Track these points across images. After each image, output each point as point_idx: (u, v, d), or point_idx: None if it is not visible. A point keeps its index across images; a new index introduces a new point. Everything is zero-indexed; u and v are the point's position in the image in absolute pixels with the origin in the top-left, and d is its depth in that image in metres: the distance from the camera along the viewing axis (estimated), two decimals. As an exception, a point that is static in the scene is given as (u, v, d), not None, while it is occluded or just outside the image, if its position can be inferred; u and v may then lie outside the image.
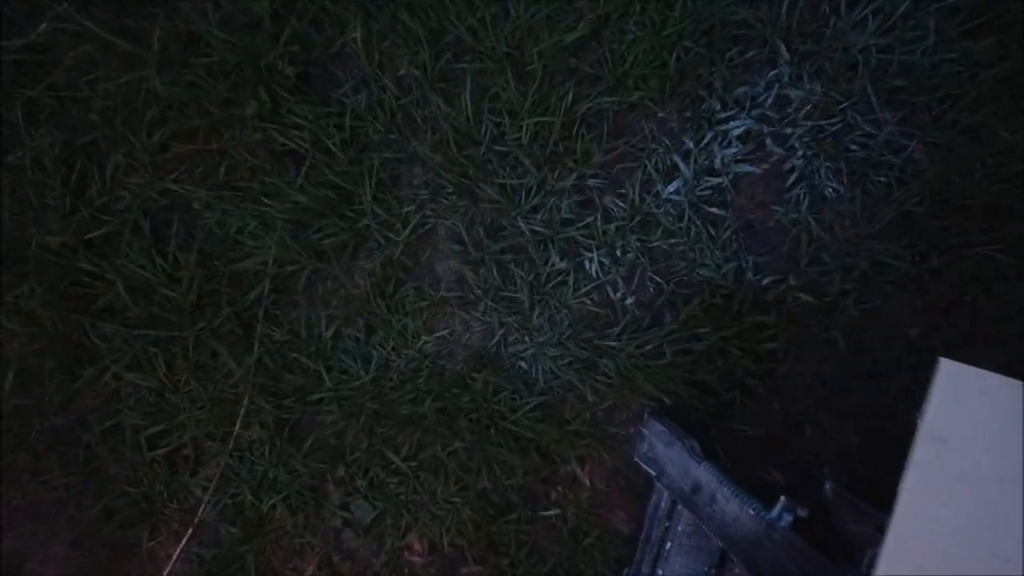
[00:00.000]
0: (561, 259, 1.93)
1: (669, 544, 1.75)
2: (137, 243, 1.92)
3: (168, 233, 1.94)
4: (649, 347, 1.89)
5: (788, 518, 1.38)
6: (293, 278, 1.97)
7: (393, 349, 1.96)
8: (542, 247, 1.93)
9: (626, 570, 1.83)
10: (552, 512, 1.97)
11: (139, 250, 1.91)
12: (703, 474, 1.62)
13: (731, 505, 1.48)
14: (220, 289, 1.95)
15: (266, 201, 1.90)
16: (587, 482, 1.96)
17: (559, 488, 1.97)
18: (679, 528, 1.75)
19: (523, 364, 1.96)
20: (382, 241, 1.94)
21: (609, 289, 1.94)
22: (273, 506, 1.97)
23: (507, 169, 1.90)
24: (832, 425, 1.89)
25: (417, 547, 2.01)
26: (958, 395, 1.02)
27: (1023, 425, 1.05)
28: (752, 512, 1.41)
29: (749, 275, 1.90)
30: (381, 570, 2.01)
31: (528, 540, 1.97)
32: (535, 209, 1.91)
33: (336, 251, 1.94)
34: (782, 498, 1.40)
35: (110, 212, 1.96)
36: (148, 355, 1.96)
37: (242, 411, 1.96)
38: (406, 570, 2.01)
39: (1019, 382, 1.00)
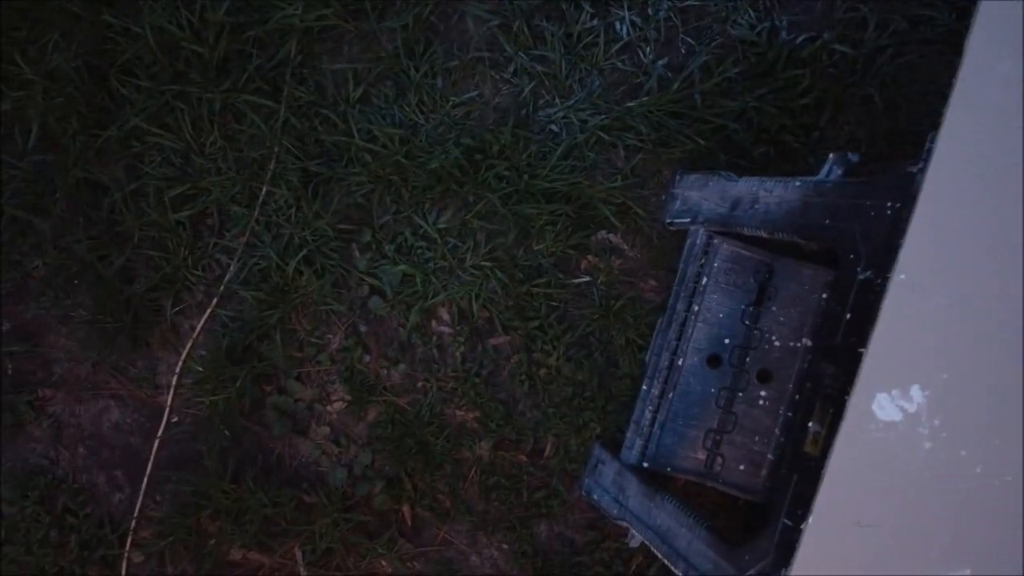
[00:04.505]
0: (592, 18, 1.92)
1: (705, 279, 1.73)
2: (163, -2, 1.91)
3: (195, -11, 1.93)
4: (682, 102, 1.87)
5: (838, 171, 1.37)
6: (321, 37, 1.96)
7: (421, 111, 1.95)
8: (573, 5, 1.91)
9: (660, 318, 1.81)
10: (583, 279, 1.96)
11: (165, 4, 1.90)
12: (742, 186, 1.61)
13: (775, 192, 1.47)
14: (247, 49, 1.94)
15: (295, -45, 1.89)
16: (623, 245, 1.94)
17: (590, 257, 1.96)
18: (715, 264, 1.75)
19: (554, 127, 1.95)
20: (412, -1, 1.93)
21: (640, 51, 1.93)
22: (299, 271, 1.96)
23: (539, -78, 1.89)
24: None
25: (445, 316, 1.99)
26: None
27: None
28: (798, 183, 1.40)
29: (783, 34, 1.90)
30: (407, 340, 2.00)
31: (558, 306, 1.95)
32: (567, -36, 1.90)
33: (366, 8, 1.92)
34: (831, 155, 1.39)
35: (135, -35, 1.95)
36: (173, 111, 1.95)
37: (269, 173, 1.95)
38: (434, 339, 2.00)
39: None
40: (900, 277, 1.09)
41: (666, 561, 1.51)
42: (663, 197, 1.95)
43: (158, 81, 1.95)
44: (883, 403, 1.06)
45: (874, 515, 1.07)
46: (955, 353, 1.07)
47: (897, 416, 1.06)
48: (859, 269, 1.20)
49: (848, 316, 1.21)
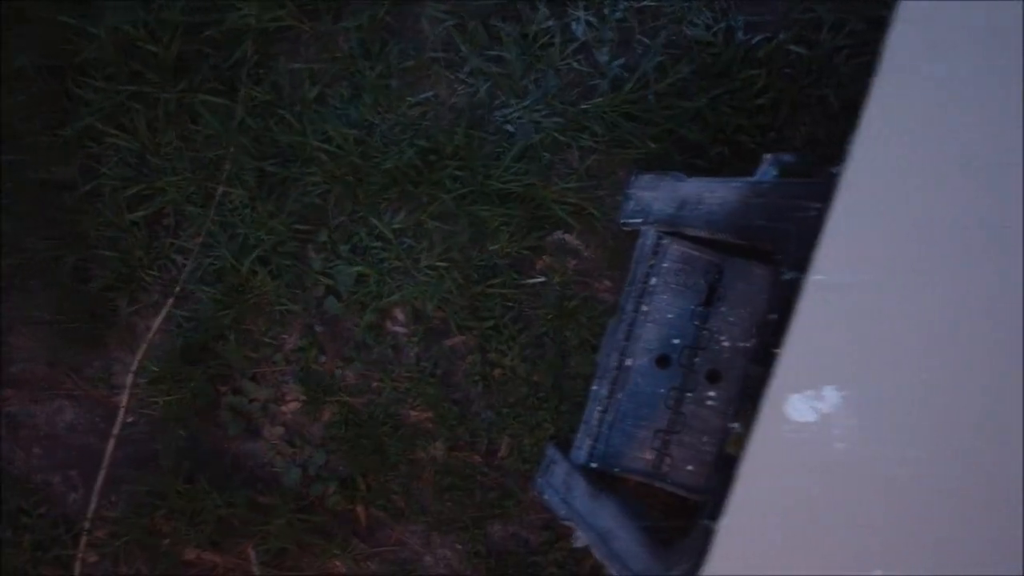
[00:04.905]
0: (548, 18, 1.92)
1: (654, 280, 1.74)
2: (119, -1, 1.91)
3: (150, -10, 1.94)
4: (637, 103, 1.87)
5: (773, 172, 1.37)
6: (277, 37, 1.97)
7: (377, 112, 1.96)
8: (529, 6, 1.92)
9: (611, 320, 1.81)
10: (538, 280, 1.96)
11: (122, 5, 1.91)
12: (689, 187, 1.61)
13: (718, 193, 1.48)
14: (203, 49, 1.95)
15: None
16: (577, 244, 1.94)
17: (545, 258, 1.96)
18: (664, 265, 1.75)
19: (509, 127, 1.95)
20: (367, -1, 1.94)
21: (596, 51, 1.93)
22: (254, 271, 1.97)
23: (494, -82, 1.89)
24: (822, 184, 1.88)
25: (400, 316, 1.99)
26: None
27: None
28: (736, 185, 1.40)
29: (740, 35, 1.90)
30: (362, 340, 2.00)
31: (513, 307, 1.96)
32: (523, -37, 1.91)
33: (321, 8, 1.93)
34: (766, 156, 1.39)
35: (91, -34, 1.95)
36: (129, 111, 1.95)
37: (225, 173, 1.96)
38: (389, 339, 2.00)
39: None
40: (816, 277, 1.09)
41: (604, 562, 1.51)
42: (619, 197, 1.95)
43: (114, 81, 1.95)
44: (796, 404, 1.06)
45: (786, 516, 1.07)
46: (871, 353, 1.07)
47: (811, 417, 1.06)
48: (784, 270, 1.20)
49: (775, 316, 1.21)
